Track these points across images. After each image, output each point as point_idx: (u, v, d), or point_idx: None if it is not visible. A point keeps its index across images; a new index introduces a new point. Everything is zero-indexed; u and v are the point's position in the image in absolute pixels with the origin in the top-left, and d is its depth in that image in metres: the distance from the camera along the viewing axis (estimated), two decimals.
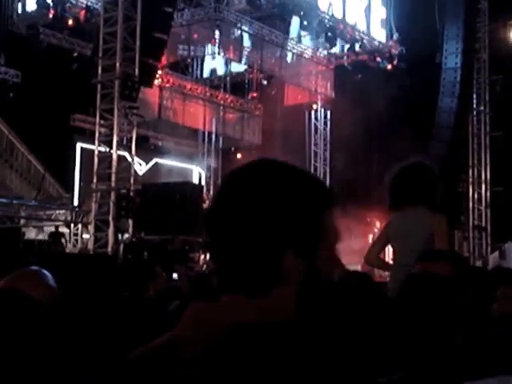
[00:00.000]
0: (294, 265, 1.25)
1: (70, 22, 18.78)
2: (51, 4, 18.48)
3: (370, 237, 19.24)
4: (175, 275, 10.62)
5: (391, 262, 5.06)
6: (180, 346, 1.24)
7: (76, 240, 17.56)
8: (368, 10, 21.53)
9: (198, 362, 1.20)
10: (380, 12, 21.92)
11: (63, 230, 17.65)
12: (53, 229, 17.17)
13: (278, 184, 1.28)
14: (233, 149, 23.55)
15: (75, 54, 20.06)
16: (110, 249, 15.16)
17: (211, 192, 22.18)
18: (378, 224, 19.66)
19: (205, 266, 15.14)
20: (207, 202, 17.53)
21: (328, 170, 24.23)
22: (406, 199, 4.51)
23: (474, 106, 22.39)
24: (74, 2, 18.52)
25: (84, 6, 18.57)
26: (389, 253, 5.24)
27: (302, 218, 1.28)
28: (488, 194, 22.25)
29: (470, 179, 22.26)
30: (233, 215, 1.25)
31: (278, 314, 1.25)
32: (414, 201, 4.47)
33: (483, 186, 22.33)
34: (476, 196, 22.33)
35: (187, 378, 1.21)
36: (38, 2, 18.64)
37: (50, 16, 18.77)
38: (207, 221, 1.31)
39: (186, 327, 1.27)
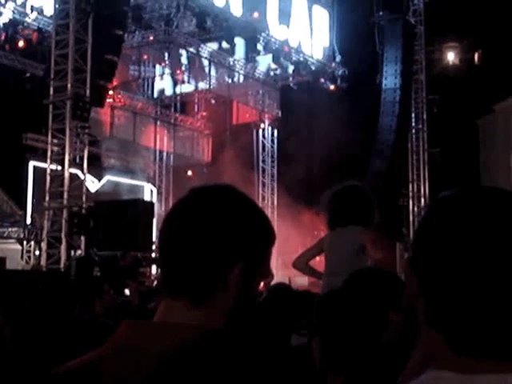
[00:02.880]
0: (237, 280, 1.33)
1: (22, 43, 18.87)
2: (2, 26, 18.62)
3: None
4: (127, 291, 11.03)
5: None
6: (103, 367, 1.28)
7: (29, 257, 17.69)
8: (311, 32, 22.15)
9: None
10: (323, 34, 22.58)
11: (15, 247, 17.80)
12: (7, 245, 17.32)
13: (237, 206, 1.40)
14: (183, 166, 23.88)
15: (27, 75, 20.23)
16: (62, 265, 15.43)
17: (162, 208, 22.60)
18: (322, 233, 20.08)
19: (155, 281, 15.49)
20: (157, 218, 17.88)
21: (275, 186, 24.81)
22: (341, 221, 4.75)
23: (413, 124, 23.12)
24: (25, 24, 18.69)
25: (36, 28, 18.74)
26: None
27: (253, 240, 1.37)
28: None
29: (410, 193, 23.04)
30: (192, 228, 1.33)
31: (210, 321, 1.32)
32: (347, 222, 4.70)
33: (422, 200, 23.12)
34: (416, 209, 23.08)
35: None
36: None
37: (2, 38, 18.91)
38: (164, 229, 1.38)
39: (113, 348, 1.32)
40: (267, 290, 4.36)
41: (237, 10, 19.81)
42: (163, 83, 23.00)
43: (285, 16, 21.21)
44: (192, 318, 1.32)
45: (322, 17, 22.58)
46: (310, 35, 22.11)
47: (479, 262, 1.02)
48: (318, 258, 5.24)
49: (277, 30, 20.96)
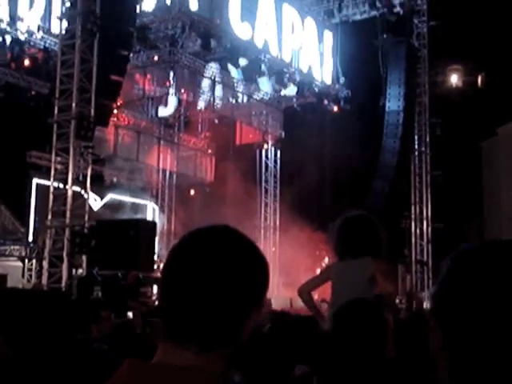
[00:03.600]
0: (250, 326, 1.33)
1: (28, 62, 18.97)
2: (9, 44, 18.73)
3: (318, 271, 19.70)
4: (130, 314, 11.02)
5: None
6: None
7: (30, 275, 17.69)
8: (317, 54, 22.30)
9: None
10: (327, 57, 22.73)
11: (16, 264, 17.81)
12: (8, 263, 17.34)
13: (246, 252, 1.38)
14: (186, 185, 23.95)
15: (32, 93, 20.35)
16: (63, 284, 15.42)
17: (165, 228, 22.60)
18: (326, 258, 20.01)
19: (157, 301, 15.48)
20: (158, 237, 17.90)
21: (278, 206, 24.84)
22: (350, 251, 4.75)
23: (416, 146, 23.11)
24: (32, 43, 18.82)
25: (42, 47, 18.87)
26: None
27: (262, 285, 1.39)
28: (429, 229, 22.94)
29: (413, 215, 22.93)
30: (208, 277, 1.31)
31: (216, 366, 1.31)
32: (356, 253, 4.71)
33: (425, 223, 23.01)
34: (418, 232, 22.98)
35: None
36: None
37: (8, 56, 19.04)
38: (171, 275, 1.35)
39: None
40: (269, 320, 4.35)
41: (240, 31, 19.96)
42: (167, 103, 23.08)
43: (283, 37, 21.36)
44: (198, 362, 1.29)
45: (327, 39, 22.71)
46: (314, 56, 22.23)
47: (508, 318, 1.00)
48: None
49: (281, 52, 21.07)
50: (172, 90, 21.36)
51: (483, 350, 1.01)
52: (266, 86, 22.07)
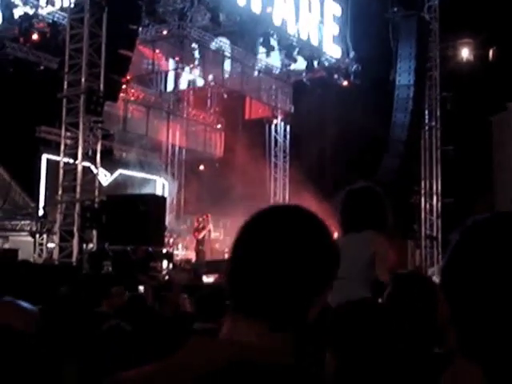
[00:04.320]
0: (319, 307, 1.34)
1: (36, 36, 18.88)
2: (18, 19, 18.66)
3: None
4: (141, 288, 11.11)
5: None
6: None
7: (41, 250, 17.81)
8: (327, 28, 22.12)
9: None
10: (336, 30, 22.54)
11: (27, 239, 17.90)
12: (19, 238, 17.44)
13: (322, 232, 1.38)
14: (195, 161, 23.96)
15: (41, 68, 20.32)
16: (74, 259, 15.54)
17: (174, 203, 22.65)
18: (335, 234, 20.15)
19: (166, 276, 15.58)
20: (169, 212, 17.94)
21: (287, 181, 24.83)
22: (354, 225, 4.63)
23: (426, 121, 23.01)
24: (40, 17, 18.73)
25: (50, 21, 18.79)
26: None
27: (333, 267, 1.39)
28: (439, 205, 22.92)
29: (422, 191, 22.89)
30: (287, 255, 1.31)
31: (286, 348, 1.30)
32: (361, 226, 4.59)
33: (434, 198, 22.98)
34: (428, 207, 22.96)
35: None
36: (4, 17, 18.76)
37: (16, 31, 18.97)
38: (246, 250, 1.35)
39: (175, 364, 1.28)
40: None
41: (252, 4, 19.77)
42: (176, 78, 23.03)
43: (298, 11, 21.16)
44: (270, 341, 1.29)
45: (336, 12, 22.49)
46: (323, 30, 22.04)
47: None
48: None
49: (290, 26, 20.90)
50: (181, 65, 21.29)
51: (491, 324, 1.00)
52: (275, 59, 21.94)
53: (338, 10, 22.52)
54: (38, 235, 18.06)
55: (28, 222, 18.77)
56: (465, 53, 23.30)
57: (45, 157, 20.07)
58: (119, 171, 21.30)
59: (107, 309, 5.72)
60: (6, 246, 18.43)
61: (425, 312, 3.00)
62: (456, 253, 1.08)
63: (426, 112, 23.00)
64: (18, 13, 18.36)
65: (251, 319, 1.30)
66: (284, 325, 1.30)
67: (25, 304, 2.46)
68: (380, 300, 4.09)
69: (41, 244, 17.90)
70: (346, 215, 4.76)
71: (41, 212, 18.82)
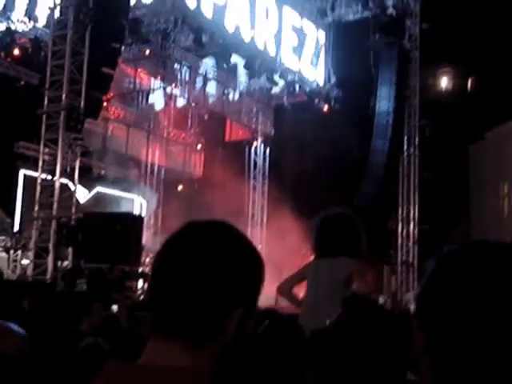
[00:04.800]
0: (237, 323, 1.32)
1: (18, 51, 18.83)
2: (0, 34, 18.58)
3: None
4: (115, 307, 11.01)
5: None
6: None
7: (15, 266, 17.60)
8: (309, 53, 22.30)
9: None
10: (319, 55, 22.73)
11: (2, 255, 17.69)
12: None
13: (239, 247, 1.39)
14: (174, 180, 23.91)
15: (22, 83, 20.23)
16: (48, 276, 15.38)
17: (151, 222, 22.55)
18: (312, 257, 20.12)
19: (142, 296, 15.48)
20: (145, 232, 17.86)
21: (266, 203, 24.84)
22: (329, 251, 4.71)
23: (405, 147, 23.26)
24: (22, 33, 18.68)
25: (33, 37, 18.74)
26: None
27: (254, 283, 1.38)
28: (416, 231, 23.07)
29: (400, 217, 23.03)
30: (196, 269, 1.31)
31: (204, 365, 1.29)
32: (336, 253, 4.66)
33: (411, 224, 23.08)
34: (405, 233, 23.06)
35: None
36: None
37: None
38: (161, 266, 1.34)
39: None
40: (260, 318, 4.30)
41: (233, 28, 19.90)
42: (157, 97, 23.04)
43: (279, 36, 21.35)
44: (185, 361, 1.28)
45: (320, 39, 22.71)
46: (304, 55, 22.23)
47: (495, 322, 0.98)
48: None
49: (272, 50, 21.06)
50: (162, 84, 21.33)
51: (467, 354, 0.99)
52: (257, 82, 22.05)
53: (322, 36, 22.75)
54: (12, 251, 17.88)
55: (3, 237, 18.54)
56: (444, 82, 23.59)
57: (22, 172, 19.94)
58: (97, 189, 21.19)
59: (87, 326, 5.65)
60: None
61: (385, 336, 3.03)
62: (431, 281, 1.07)
63: (405, 139, 23.22)
64: None
65: (169, 339, 1.29)
66: (197, 340, 1.29)
67: (15, 327, 2.35)
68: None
69: (15, 260, 17.70)
70: (320, 241, 4.81)
71: (16, 228, 18.64)
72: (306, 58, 22.27)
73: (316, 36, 22.63)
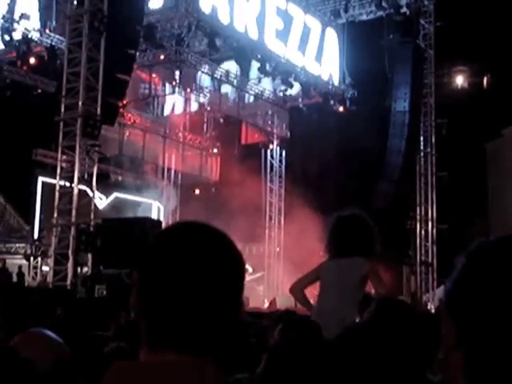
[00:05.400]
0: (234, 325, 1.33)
1: (34, 60, 18.98)
2: (16, 43, 18.74)
3: None
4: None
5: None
6: None
7: (35, 273, 17.73)
8: (320, 54, 22.29)
9: None
10: (333, 57, 22.72)
11: (21, 262, 17.84)
12: (14, 261, 17.39)
13: (229, 250, 1.36)
14: (191, 185, 23.98)
15: (39, 91, 20.40)
16: (69, 282, 15.46)
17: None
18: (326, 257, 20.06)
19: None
20: None
21: (282, 206, 24.85)
22: (343, 251, 4.73)
23: (422, 147, 23.14)
24: (38, 41, 18.84)
25: (48, 45, 18.89)
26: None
27: (240, 282, 1.36)
28: (434, 231, 22.95)
29: (418, 217, 22.91)
30: (198, 280, 1.28)
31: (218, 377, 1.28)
32: (350, 253, 4.70)
33: (430, 224, 22.96)
34: (423, 233, 22.94)
35: None
36: (3, 41, 18.84)
37: (14, 54, 19.07)
38: (156, 275, 1.30)
39: None
40: (277, 320, 4.27)
41: (242, 27, 19.94)
42: (173, 102, 23.13)
43: (296, 37, 21.36)
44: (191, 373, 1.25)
45: (333, 39, 22.70)
46: (321, 57, 22.23)
47: None
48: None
49: (287, 51, 21.07)
50: (178, 90, 21.39)
51: (501, 348, 0.97)
52: (272, 85, 22.08)
53: (335, 37, 22.72)
54: (32, 258, 18.01)
55: (23, 244, 18.70)
56: (459, 80, 23.49)
57: (40, 180, 20.08)
58: (115, 194, 21.31)
59: (113, 332, 5.63)
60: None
61: (410, 336, 3.04)
62: (463, 275, 1.06)
63: (422, 138, 23.10)
64: (16, 36, 18.47)
65: (155, 350, 1.27)
66: (192, 349, 1.27)
67: (54, 337, 2.38)
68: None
69: (35, 267, 17.83)
70: (334, 241, 4.85)
71: (36, 235, 18.78)
72: (321, 60, 22.24)
73: (330, 37, 22.60)
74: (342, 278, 4.68)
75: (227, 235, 1.39)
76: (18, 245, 18.82)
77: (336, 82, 22.72)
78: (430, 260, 22.70)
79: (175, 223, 1.42)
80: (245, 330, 4.61)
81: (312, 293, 5.29)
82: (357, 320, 4.38)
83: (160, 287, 1.29)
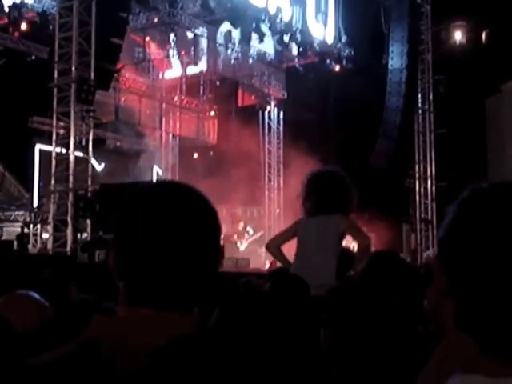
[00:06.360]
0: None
1: (25, 26, 18.77)
2: (8, 9, 18.51)
3: None
4: None
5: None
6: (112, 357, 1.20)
7: (35, 240, 17.81)
8: (316, 12, 21.99)
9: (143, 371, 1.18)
10: (329, 15, 22.41)
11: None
12: (13, 229, 17.46)
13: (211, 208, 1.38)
14: (189, 149, 23.91)
15: (32, 58, 20.21)
16: (68, 248, 15.56)
17: None
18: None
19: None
20: None
21: (281, 167, 24.80)
22: (319, 208, 4.75)
23: (419, 104, 23.00)
24: (30, 7, 18.62)
25: (40, 10, 18.67)
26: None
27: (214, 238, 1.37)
28: (433, 188, 22.96)
29: (417, 175, 22.90)
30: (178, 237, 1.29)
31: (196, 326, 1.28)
32: (326, 210, 4.71)
33: (429, 181, 22.98)
34: (422, 191, 22.97)
35: None
36: None
37: (6, 20, 18.86)
38: (147, 233, 1.29)
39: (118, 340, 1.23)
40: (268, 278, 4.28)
41: None
42: (168, 66, 22.92)
43: None
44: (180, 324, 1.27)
45: None
46: (315, 15, 21.94)
47: None
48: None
49: (281, 10, 20.80)
50: (172, 53, 21.20)
51: (492, 295, 0.98)
52: (267, 45, 21.85)
53: None
54: (32, 226, 18.08)
55: (22, 212, 18.74)
56: (457, 35, 23.20)
57: (38, 147, 20.03)
58: (111, 160, 21.23)
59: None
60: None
61: (403, 289, 3.04)
62: (455, 223, 1.05)
63: (419, 96, 22.93)
64: (6, 3, 18.23)
65: (134, 307, 1.28)
66: (169, 306, 1.27)
67: (36, 296, 2.38)
68: (352, 272, 4.17)
69: (35, 234, 17.91)
70: (310, 198, 4.82)
71: (36, 202, 18.81)
72: (314, 18, 21.94)
73: None
74: (319, 234, 4.69)
75: (201, 192, 1.41)
76: (17, 212, 18.86)
77: (332, 41, 22.45)
78: (429, 217, 22.75)
79: (148, 183, 1.41)
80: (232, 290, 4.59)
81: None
82: (334, 277, 4.41)
83: (135, 246, 1.29)
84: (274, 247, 4.99)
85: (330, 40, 22.32)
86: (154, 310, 1.26)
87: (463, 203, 1.07)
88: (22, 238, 16.71)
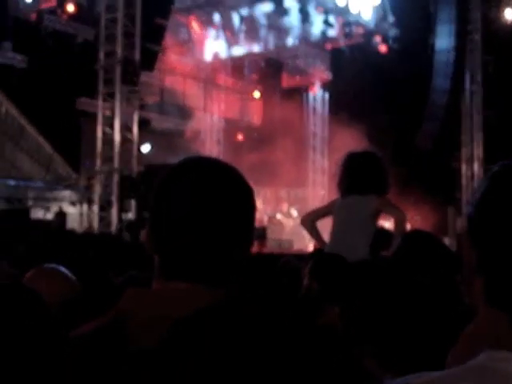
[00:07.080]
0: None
1: (73, 8, 19.03)
2: None
3: None
4: None
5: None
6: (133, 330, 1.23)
7: (82, 220, 18.11)
8: None
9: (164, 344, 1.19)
10: None
11: (68, 210, 18.22)
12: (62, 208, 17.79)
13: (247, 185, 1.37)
14: (233, 130, 23.94)
15: (80, 40, 20.45)
16: (113, 228, 15.80)
17: None
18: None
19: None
20: None
21: (326, 149, 24.67)
22: (353, 189, 4.83)
23: (467, 85, 22.51)
24: None
25: None
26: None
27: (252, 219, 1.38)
28: (481, 171, 22.50)
29: (464, 157, 22.50)
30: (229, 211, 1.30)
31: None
32: (360, 190, 4.79)
33: (476, 164, 22.56)
34: (469, 173, 22.50)
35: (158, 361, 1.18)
36: None
37: (54, 3, 19.13)
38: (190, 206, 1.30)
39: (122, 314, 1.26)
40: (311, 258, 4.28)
41: None
42: (213, 46, 22.93)
43: None
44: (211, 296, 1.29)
45: None
46: None
47: None
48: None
49: None
50: (218, 33, 21.20)
51: None
52: (313, 26, 21.67)
53: None
54: (78, 205, 18.40)
55: (68, 192, 19.07)
56: (508, 14, 22.57)
57: (85, 127, 20.30)
58: (156, 141, 21.40)
59: None
60: (48, 216, 18.76)
61: (437, 271, 3.00)
62: (485, 197, 1.04)
63: (467, 76, 22.44)
64: None
65: (168, 280, 1.30)
66: (202, 281, 1.29)
67: (65, 273, 2.43)
68: (386, 252, 4.15)
69: (81, 214, 18.22)
70: (345, 178, 4.90)
71: (83, 182, 19.13)
72: None
73: None
74: (352, 214, 4.77)
75: (237, 169, 1.39)
76: (64, 192, 19.20)
77: (378, 21, 22.11)
78: None
79: (184, 159, 1.39)
80: (274, 270, 4.63)
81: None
82: (367, 256, 4.41)
83: (171, 220, 1.31)
84: (309, 222, 5.05)
85: (376, 20, 22.00)
86: (187, 283, 1.28)
87: (493, 177, 1.06)
88: (62, 216, 17.00)
